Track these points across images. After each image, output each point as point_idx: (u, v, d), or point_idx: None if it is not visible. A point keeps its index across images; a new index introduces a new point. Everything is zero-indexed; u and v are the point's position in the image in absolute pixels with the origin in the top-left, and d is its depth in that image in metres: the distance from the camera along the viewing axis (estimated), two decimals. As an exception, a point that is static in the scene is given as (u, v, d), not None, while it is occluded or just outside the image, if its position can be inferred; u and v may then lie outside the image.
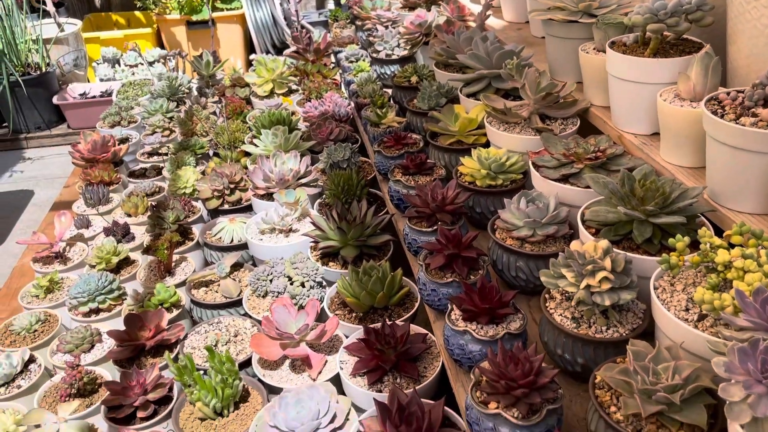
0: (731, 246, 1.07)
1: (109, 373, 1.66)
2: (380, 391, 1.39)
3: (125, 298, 1.92)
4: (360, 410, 1.43)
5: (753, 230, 1.07)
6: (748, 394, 0.83)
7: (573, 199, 1.46)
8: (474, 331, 1.26)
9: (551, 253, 1.39)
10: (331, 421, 1.34)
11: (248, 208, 2.30)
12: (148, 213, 2.26)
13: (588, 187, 1.42)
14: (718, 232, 1.21)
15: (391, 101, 2.52)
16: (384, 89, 2.65)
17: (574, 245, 1.21)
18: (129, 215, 2.36)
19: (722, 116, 1.17)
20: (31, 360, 1.73)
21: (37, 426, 1.40)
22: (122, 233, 2.20)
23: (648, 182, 1.26)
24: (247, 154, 2.51)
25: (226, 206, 2.28)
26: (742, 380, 0.84)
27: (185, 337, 1.72)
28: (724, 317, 0.95)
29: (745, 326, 0.92)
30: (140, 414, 1.48)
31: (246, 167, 2.41)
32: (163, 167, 2.68)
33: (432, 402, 1.30)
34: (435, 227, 1.64)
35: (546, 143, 1.59)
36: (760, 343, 0.85)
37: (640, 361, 1.00)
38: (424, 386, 1.39)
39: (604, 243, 1.17)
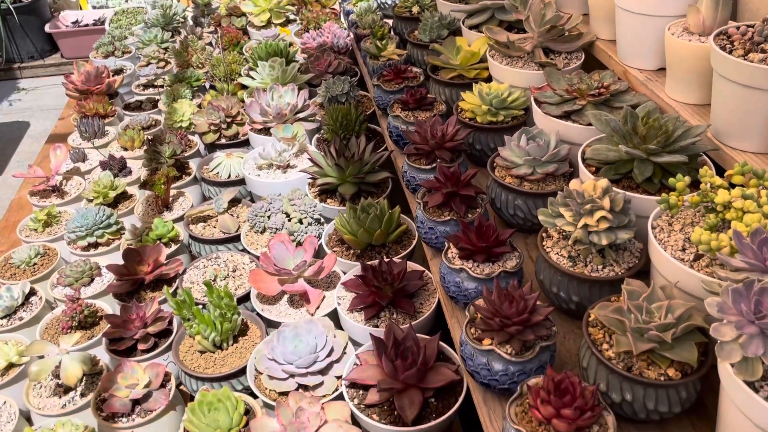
0: (732, 186, 1.06)
1: (109, 306, 1.68)
2: (377, 326, 1.41)
3: (123, 233, 1.92)
4: (357, 344, 1.45)
5: (755, 170, 1.06)
6: (739, 335, 0.83)
7: (574, 136, 1.44)
8: (470, 269, 1.27)
9: (550, 192, 1.38)
10: (329, 354, 1.37)
11: (245, 143, 2.27)
12: (145, 147, 2.24)
13: (590, 124, 1.39)
14: (720, 171, 1.20)
15: (392, 32, 2.45)
16: (384, 20, 2.57)
17: (574, 184, 1.20)
18: (125, 149, 2.34)
19: (731, 52, 1.14)
20: (32, 293, 1.75)
21: (40, 357, 1.43)
22: (119, 167, 2.19)
23: (651, 120, 1.23)
24: (244, 86, 2.46)
25: (223, 141, 2.25)
26: (734, 320, 0.84)
27: (184, 271, 1.73)
28: (720, 258, 0.95)
29: (740, 267, 0.92)
30: (141, 346, 1.51)
31: (243, 100, 2.37)
32: (158, 100, 2.63)
33: (427, 337, 1.32)
34: (434, 164, 1.62)
35: (549, 78, 1.55)
36: (754, 285, 0.85)
37: (634, 301, 1.01)
38: (420, 322, 1.41)
39: (603, 182, 1.16)
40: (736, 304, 0.85)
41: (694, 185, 1.19)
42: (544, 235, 1.27)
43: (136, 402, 1.38)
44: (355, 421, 1.26)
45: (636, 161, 1.23)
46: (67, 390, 1.45)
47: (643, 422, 1.05)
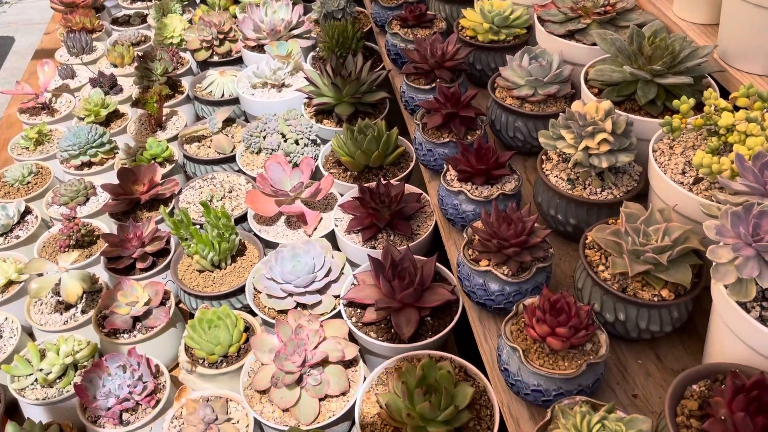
0: (736, 109, 1.05)
1: (105, 226, 1.68)
2: (374, 248, 1.42)
3: (117, 152, 1.90)
4: (354, 265, 1.46)
5: (760, 93, 1.04)
6: (735, 257, 0.84)
7: (578, 57, 1.41)
8: (468, 191, 1.27)
9: (551, 114, 1.36)
10: (327, 274, 1.38)
11: (239, 61, 2.21)
12: (135, 64, 2.18)
13: (594, 44, 1.36)
14: (725, 94, 1.18)
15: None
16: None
17: (576, 106, 1.18)
18: (115, 66, 2.28)
19: (745, -32, 1.09)
20: (27, 211, 1.74)
21: (39, 275, 1.44)
22: (109, 84, 2.14)
23: (657, 40, 1.20)
24: (237, 1, 2.37)
25: (215, 58, 2.19)
26: (731, 243, 0.85)
27: (180, 192, 1.73)
28: (720, 181, 0.94)
29: (740, 190, 0.92)
30: (139, 265, 1.52)
31: (235, 16, 2.29)
32: (147, 14, 2.54)
33: (424, 258, 1.33)
34: (433, 84, 1.59)
35: (553, -5, 1.50)
36: (753, 208, 0.85)
37: (632, 223, 1.01)
38: (417, 244, 1.42)
39: (606, 104, 1.14)
40: (734, 226, 0.85)
41: (698, 108, 1.17)
42: (543, 157, 1.26)
43: (136, 319, 1.40)
44: (352, 338, 1.29)
45: (640, 83, 1.21)
46: (67, 307, 1.47)
47: (634, 341, 1.08)
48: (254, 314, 1.42)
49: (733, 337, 0.89)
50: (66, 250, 1.57)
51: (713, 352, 0.96)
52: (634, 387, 1.03)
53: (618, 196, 1.16)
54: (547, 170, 1.23)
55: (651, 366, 1.06)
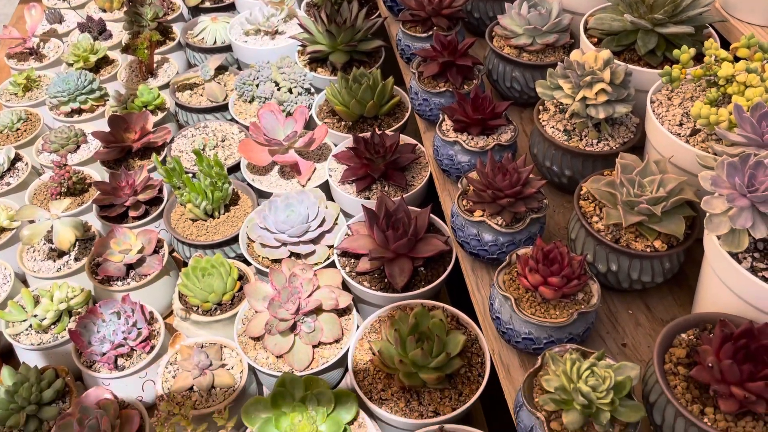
0: (736, 60, 1.03)
1: (97, 174, 1.66)
2: (368, 198, 1.42)
3: (107, 99, 1.86)
4: (348, 216, 1.46)
5: (761, 43, 1.03)
6: (729, 207, 0.84)
7: (577, 5, 1.38)
8: (464, 141, 1.26)
9: (549, 64, 1.34)
10: (320, 224, 1.38)
11: (231, 7, 2.16)
12: (124, 8, 2.12)
13: (595, -8, 1.33)
14: (725, 45, 1.16)
15: None
16: None
17: (574, 55, 1.16)
18: (104, 10, 2.22)
19: None
20: (17, 158, 1.72)
21: (31, 222, 1.43)
22: (98, 30, 2.09)
23: (660, -12, 1.18)
24: (228, -55, 2.30)
25: (207, 4, 2.14)
26: (726, 193, 0.85)
27: (172, 140, 1.71)
28: (718, 132, 0.94)
29: (737, 141, 0.92)
30: (132, 213, 1.51)
31: (227, -39, 2.23)
32: (136, -42, 2.46)
33: (418, 209, 1.33)
34: (430, 33, 1.56)
35: (554, -59, 1.46)
36: (750, 159, 0.85)
37: (627, 174, 1.01)
38: (412, 195, 1.42)
39: (605, 53, 1.12)
40: (729, 177, 0.85)
41: (697, 60, 1.16)
42: (540, 108, 1.25)
43: (129, 267, 1.40)
44: (346, 287, 1.30)
45: (640, 32, 1.19)
46: (60, 254, 1.47)
47: (625, 291, 1.09)
48: (248, 263, 1.42)
49: (724, 287, 0.90)
50: (57, 197, 1.56)
51: (703, 303, 0.98)
52: (624, 336, 1.05)
53: (614, 148, 1.16)
54: (543, 121, 1.22)
55: (641, 316, 1.07)
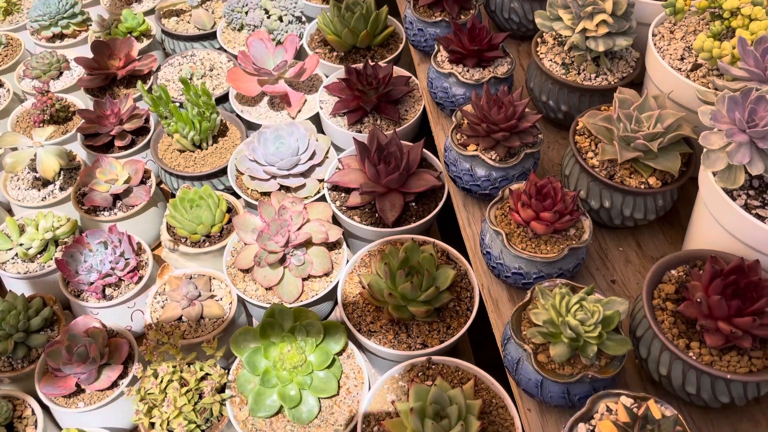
0: (743, -7, 1.00)
1: (81, 102, 1.61)
2: (360, 132, 1.39)
3: (90, 24, 1.80)
4: (339, 150, 1.44)
5: (770, -25, 0.99)
6: (727, 143, 0.83)
7: (581, -68, 1.32)
8: (459, 73, 1.22)
9: (549, -6, 1.30)
10: (311, 157, 1.36)
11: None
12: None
13: None
14: (732, -23, 1.12)
15: None
16: None
17: (576, -16, 1.12)
18: (85, -69, 2.11)
19: None
20: (-1, 85, 1.67)
21: (13, 149, 1.39)
22: (79, -49, 1.99)
23: None
24: None
25: (193, -74, 2.03)
26: (725, 129, 0.83)
27: (158, 69, 1.65)
28: (720, 66, 0.91)
29: (739, 76, 0.90)
30: (118, 143, 1.48)
31: None
32: None
33: (411, 144, 1.31)
34: (426, -40, 1.50)
35: None
36: (751, 93, 0.83)
37: (625, 109, 0.99)
38: (404, 129, 1.39)
39: (608, -17, 1.08)
40: (730, 112, 0.83)
41: (702, -8, 1.12)
42: (538, 40, 1.21)
43: (116, 197, 1.38)
44: (336, 222, 1.29)
45: (645, -38, 1.14)
46: (45, 183, 1.44)
47: (616, 228, 1.08)
48: (237, 196, 1.40)
49: (716, 225, 0.90)
50: (40, 125, 1.52)
51: (694, 241, 0.97)
52: (613, 273, 1.05)
53: (612, 83, 1.13)
54: (541, 54, 1.19)
55: (631, 253, 1.07)
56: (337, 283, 1.19)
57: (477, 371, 1.03)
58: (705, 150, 0.85)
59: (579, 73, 1.15)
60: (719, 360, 0.80)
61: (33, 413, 1.11)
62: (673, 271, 0.90)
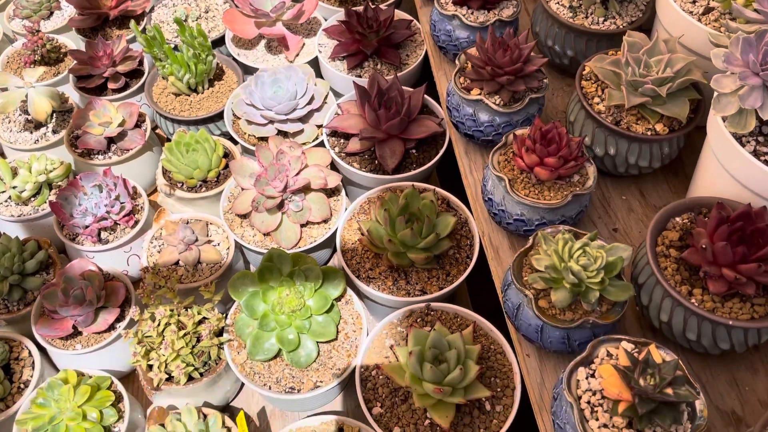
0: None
1: (72, 43, 1.57)
2: (360, 77, 1.36)
3: (81, -37, 1.73)
4: (338, 95, 1.41)
5: None
6: (740, 86, 0.81)
7: None
8: (464, 16, 1.19)
9: (557, -65, 1.25)
10: (309, 102, 1.33)
11: None
12: None
13: None
14: None
15: None
16: None
17: None
18: None
19: None
20: (-13, 25, 1.62)
21: (3, 89, 1.36)
22: None
23: None
24: None
25: None
26: (738, 71, 0.81)
27: (152, 9, 1.60)
28: (734, 8, 0.88)
29: (754, 18, 0.87)
30: (111, 85, 1.44)
31: None
32: None
33: (412, 89, 1.28)
34: None
35: None
36: (766, 36, 0.80)
37: (634, 53, 0.96)
38: (406, 74, 1.36)
39: None
40: (743, 54, 0.81)
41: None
42: (546, -18, 1.17)
43: (111, 140, 1.35)
44: (335, 169, 1.27)
45: None
46: (37, 126, 1.41)
47: (620, 176, 1.07)
48: (234, 142, 1.38)
49: (723, 172, 0.88)
50: (31, 65, 1.48)
51: (700, 189, 0.96)
52: (616, 221, 1.04)
53: (621, 27, 1.10)
54: (548, -4, 1.15)
55: (634, 202, 1.06)
56: (336, 230, 1.18)
57: (476, 317, 1.03)
58: (716, 94, 0.83)
59: (587, 17, 1.11)
60: (721, 307, 0.80)
61: (30, 355, 1.10)
62: (677, 219, 0.89)
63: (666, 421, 0.70)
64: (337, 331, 1.07)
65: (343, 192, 1.25)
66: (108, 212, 1.20)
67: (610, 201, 1.06)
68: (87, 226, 1.19)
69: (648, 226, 0.86)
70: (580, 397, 0.76)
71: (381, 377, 0.99)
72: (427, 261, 1.08)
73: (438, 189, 1.18)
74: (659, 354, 0.76)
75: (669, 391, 0.70)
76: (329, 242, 1.24)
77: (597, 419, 0.74)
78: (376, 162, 1.24)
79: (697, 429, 0.72)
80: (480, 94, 1.06)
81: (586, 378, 0.77)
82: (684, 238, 0.86)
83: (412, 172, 1.21)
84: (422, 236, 1.06)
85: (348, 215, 1.19)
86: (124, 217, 1.22)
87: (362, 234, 1.12)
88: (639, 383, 0.71)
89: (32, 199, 1.30)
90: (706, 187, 0.94)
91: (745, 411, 0.84)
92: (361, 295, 1.14)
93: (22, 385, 1.08)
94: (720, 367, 0.87)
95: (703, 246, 0.79)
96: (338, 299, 1.10)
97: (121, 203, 1.22)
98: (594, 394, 0.76)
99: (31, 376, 1.08)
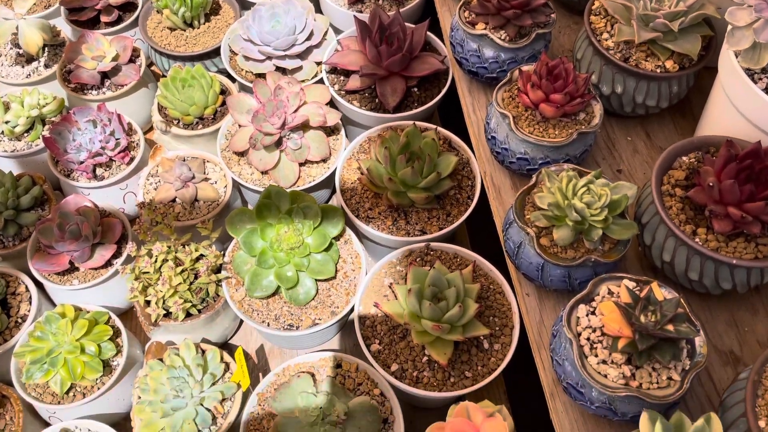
0: None
1: (64, -26, 1.51)
2: (360, 12, 1.32)
3: None
4: (338, 31, 1.36)
5: None
6: (755, 19, 0.78)
7: None
8: (469, -53, 1.14)
9: None
10: (308, 37, 1.29)
11: None
12: None
13: None
14: None
15: None
16: None
17: None
18: None
19: None
20: (-26, -46, 1.56)
21: (-6, 21, 1.31)
22: None
23: None
24: None
25: None
26: (754, 3, 0.78)
27: (145, -60, 1.54)
28: (755, -62, 0.85)
29: (775, -51, 0.83)
30: (104, 18, 1.40)
31: None
32: None
33: (414, 25, 1.24)
34: None
35: None
36: (787, -34, 0.77)
37: (647, -14, 0.93)
38: (408, 9, 1.32)
39: None
40: (762, -15, 0.78)
41: None
42: None
43: (104, 75, 1.31)
44: (334, 107, 1.24)
45: None
46: (29, 60, 1.37)
47: (626, 117, 1.04)
48: (232, 79, 1.34)
49: (733, 110, 0.86)
50: (21, -3, 1.43)
51: (708, 129, 0.94)
52: (620, 162, 1.02)
53: (633, -40, 1.05)
54: (559, -73, 1.10)
55: (640, 143, 1.04)
56: (335, 169, 1.16)
57: (475, 257, 1.02)
58: (730, 27, 0.81)
59: (598, -51, 1.07)
60: (725, 246, 0.79)
61: (27, 290, 1.10)
62: (684, 158, 0.87)
63: (665, 357, 0.70)
64: (336, 270, 1.06)
65: (342, 131, 1.23)
66: (103, 148, 1.18)
67: (614, 142, 1.04)
68: (81, 162, 1.17)
69: (653, 168, 0.84)
70: (579, 334, 0.76)
71: (379, 315, 0.99)
72: (427, 201, 1.06)
73: (440, 128, 1.15)
74: (661, 292, 0.75)
75: (670, 327, 0.70)
76: (328, 182, 1.22)
77: (596, 355, 0.74)
78: (377, 100, 1.21)
79: (695, 365, 0.72)
80: (485, 28, 1.03)
81: (587, 315, 0.77)
82: (690, 177, 0.85)
83: (414, 111, 1.19)
84: (423, 175, 1.04)
85: (347, 154, 1.17)
86: (119, 153, 1.20)
87: (362, 173, 1.11)
88: (640, 320, 0.71)
89: (25, 134, 1.27)
90: (714, 126, 0.92)
91: (744, 351, 0.84)
92: (360, 235, 1.13)
93: (19, 320, 1.07)
94: (720, 308, 0.87)
95: (710, 184, 0.78)
96: (337, 238, 1.09)
97: (116, 139, 1.19)
98: (594, 331, 0.76)
99: (29, 311, 1.08)
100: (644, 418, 0.66)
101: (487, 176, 1.05)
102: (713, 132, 0.91)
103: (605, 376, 0.73)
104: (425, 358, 0.94)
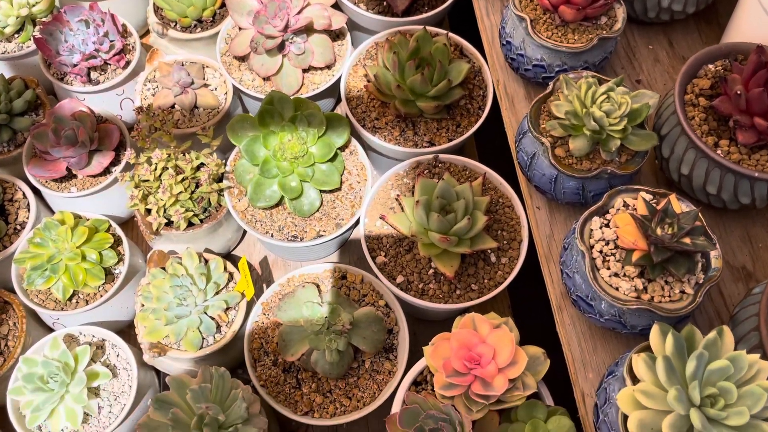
0: None
1: None
2: None
3: None
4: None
5: None
6: None
7: None
8: None
9: None
10: (312, -66, 1.21)
11: None
12: None
13: None
14: None
15: None
16: None
17: None
18: None
19: None
20: None
21: None
22: None
23: None
24: None
25: None
26: None
27: None
28: None
29: None
30: None
31: None
32: None
33: None
34: None
35: None
36: None
37: None
38: None
39: None
40: None
41: None
42: None
43: (96, -27, 1.24)
44: (339, 9, 1.17)
45: None
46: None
47: (649, 24, 0.99)
48: (230, -22, 1.26)
49: (764, 15, 0.81)
50: None
51: (735, 36, 0.89)
52: (639, 72, 0.97)
53: None
54: None
55: (661, 52, 0.99)
56: (340, 76, 1.11)
57: (486, 169, 1.00)
58: None
59: None
60: (748, 159, 0.76)
61: (24, 196, 1.08)
62: (710, 66, 0.82)
63: (680, 271, 0.69)
64: (341, 182, 1.04)
65: (348, 36, 1.17)
66: (97, 50, 1.12)
67: (635, 50, 0.99)
68: (75, 65, 1.12)
69: (675, 78, 0.80)
70: (592, 246, 0.74)
71: (385, 228, 0.97)
72: (437, 110, 1.02)
73: (451, 34, 1.10)
74: (679, 204, 0.73)
75: (687, 240, 0.68)
76: (333, 90, 1.17)
77: (608, 268, 0.72)
78: (385, 3, 1.15)
79: (710, 279, 0.70)
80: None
81: (600, 227, 0.75)
82: (716, 86, 0.80)
83: (424, 15, 1.13)
84: (433, 83, 0.99)
85: (353, 61, 1.12)
86: (114, 56, 1.15)
87: (368, 80, 1.06)
88: (656, 232, 0.69)
89: (16, 35, 1.21)
90: (743, 32, 0.87)
91: (756, 267, 0.82)
92: (366, 146, 1.09)
93: (18, 227, 1.06)
94: (734, 223, 0.85)
95: (738, 92, 0.74)
96: (342, 149, 1.06)
97: (111, 41, 1.14)
98: (607, 243, 0.74)
99: (27, 218, 1.06)
100: (655, 330, 0.65)
101: (500, 85, 1.00)
102: (741, 39, 0.85)
103: (617, 289, 0.71)
104: (431, 271, 0.93)
